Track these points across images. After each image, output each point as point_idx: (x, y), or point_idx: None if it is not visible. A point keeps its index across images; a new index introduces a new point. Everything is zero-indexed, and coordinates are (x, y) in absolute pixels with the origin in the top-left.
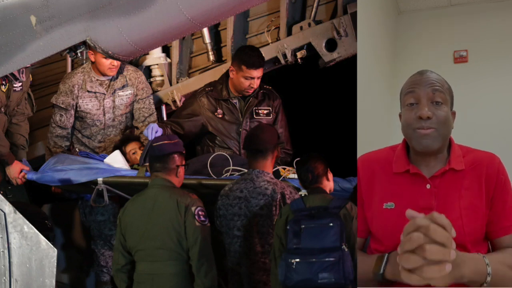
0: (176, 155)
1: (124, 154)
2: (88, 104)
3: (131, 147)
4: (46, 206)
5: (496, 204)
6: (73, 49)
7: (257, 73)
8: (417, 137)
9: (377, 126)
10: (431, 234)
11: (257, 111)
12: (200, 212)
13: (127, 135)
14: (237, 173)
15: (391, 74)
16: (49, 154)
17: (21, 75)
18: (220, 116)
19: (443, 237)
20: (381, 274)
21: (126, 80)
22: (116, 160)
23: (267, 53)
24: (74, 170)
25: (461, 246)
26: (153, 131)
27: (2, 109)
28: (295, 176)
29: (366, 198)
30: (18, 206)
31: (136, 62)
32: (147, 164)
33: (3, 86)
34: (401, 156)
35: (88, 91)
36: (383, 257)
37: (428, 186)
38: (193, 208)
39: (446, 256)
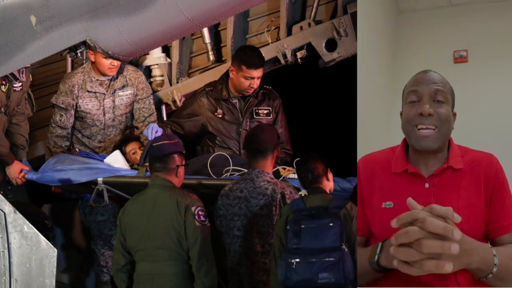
0: (176, 155)
1: (124, 154)
2: (88, 104)
3: (131, 147)
4: (46, 206)
5: (494, 204)
6: (73, 49)
7: (257, 73)
8: (417, 137)
9: (377, 126)
10: (427, 227)
11: (257, 111)
12: (200, 212)
13: (127, 135)
14: (237, 173)
15: (391, 74)
16: (49, 154)
17: (21, 75)
18: (220, 116)
19: (439, 229)
20: (376, 262)
21: (126, 80)
22: (116, 160)
23: (267, 53)
24: (74, 170)
25: None
26: (153, 131)
27: (2, 109)
28: (295, 176)
29: (367, 197)
30: (18, 206)
31: (136, 62)
32: (147, 164)
33: (3, 86)
34: (400, 156)
35: (88, 91)
36: (377, 246)
37: (426, 185)
38: (193, 208)
39: (444, 249)
